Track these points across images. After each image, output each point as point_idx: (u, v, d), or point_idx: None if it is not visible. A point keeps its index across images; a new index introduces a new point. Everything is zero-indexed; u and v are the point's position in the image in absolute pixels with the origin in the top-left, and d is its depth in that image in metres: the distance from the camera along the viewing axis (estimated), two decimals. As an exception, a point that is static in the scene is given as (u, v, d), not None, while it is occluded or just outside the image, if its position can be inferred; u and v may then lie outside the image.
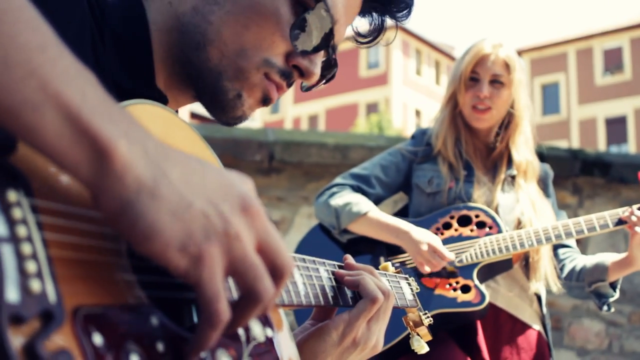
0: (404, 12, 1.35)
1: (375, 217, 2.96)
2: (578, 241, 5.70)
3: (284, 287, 0.89)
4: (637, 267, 2.89)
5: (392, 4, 1.33)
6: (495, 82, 3.03)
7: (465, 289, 2.83)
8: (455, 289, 2.83)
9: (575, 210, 5.86)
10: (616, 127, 44.15)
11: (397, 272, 1.60)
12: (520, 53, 48.04)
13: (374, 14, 1.36)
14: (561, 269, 3.08)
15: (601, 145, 43.47)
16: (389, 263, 1.63)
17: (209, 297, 0.74)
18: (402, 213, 3.28)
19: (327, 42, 1.22)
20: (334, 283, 1.23)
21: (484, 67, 3.04)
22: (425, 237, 2.84)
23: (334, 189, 3.10)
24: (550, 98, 46.78)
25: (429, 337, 1.79)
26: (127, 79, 1.17)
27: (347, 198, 3.02)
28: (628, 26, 44.85)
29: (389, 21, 1.38)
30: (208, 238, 0.74)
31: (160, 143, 0.77)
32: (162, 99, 1.22)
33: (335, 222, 3.02)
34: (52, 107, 0.67)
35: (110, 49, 1.15)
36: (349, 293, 1.26)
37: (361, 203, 2.99)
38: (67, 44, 0.73)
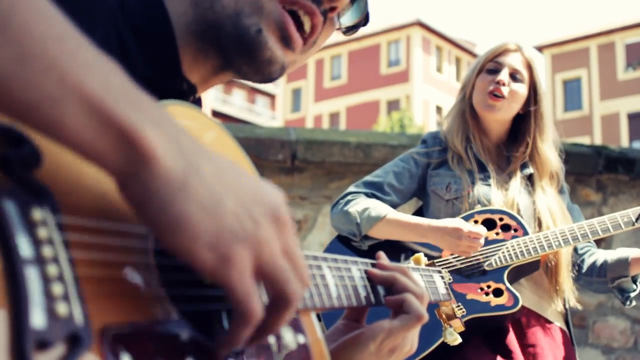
0: None
1: (395, 218, 2.91)
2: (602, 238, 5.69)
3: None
4: None
5: None
6: (514, 77, 3.02)
7: (498, 292, 2.80)
8: (487, 293, 2.80)
9: (599, 207, 5.80)
10: (639, 123, 43.85)
11: (430, 265, 1.58)
12: (541, 49, 47.84)
13: None
14: (580, 264, 3.08)
15: (624, 141, 43.19)
16: (421, 254, 1.60)
17: (240, 296, 0.72)
18: None
19: None
20: (367, 282, 1.21)
21: (506, 59, 3.04)
22: (452, 223, 2.77)
23: (349, 197, 3.06)
24: (572, 94, 46.50)
25: (462, 329, 1.79)
26: (153, 73, 1.13)
27: (364, 204, 2.97)
28: (650, 20, 44.54)
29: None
30: (238, 239, 0.72)
31: (193, 138, 0.75)
32: (191, 89, 1.19)
33: (355, 228, 2.97)
34: (73, 100, 0.64)
35: (133, 44, 1.12)
36: (381, 292, 1.24)
37: (379, 207, 2.95)
38: (95, 42, 0.70)
